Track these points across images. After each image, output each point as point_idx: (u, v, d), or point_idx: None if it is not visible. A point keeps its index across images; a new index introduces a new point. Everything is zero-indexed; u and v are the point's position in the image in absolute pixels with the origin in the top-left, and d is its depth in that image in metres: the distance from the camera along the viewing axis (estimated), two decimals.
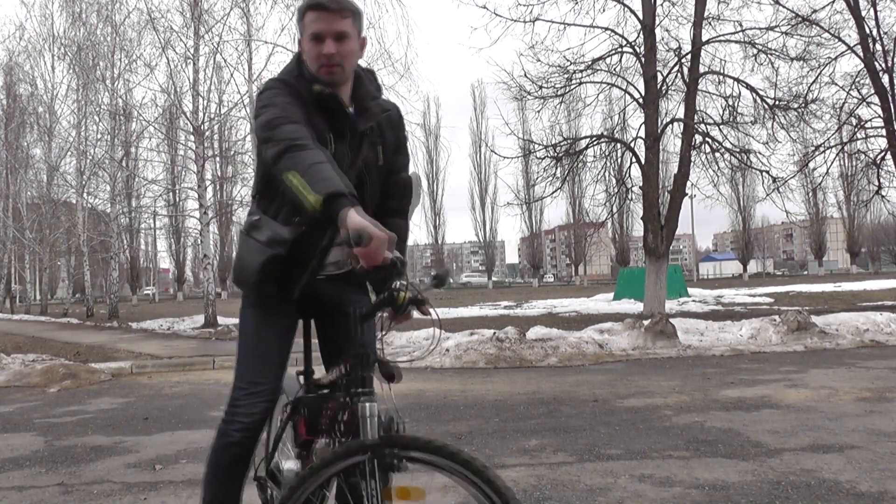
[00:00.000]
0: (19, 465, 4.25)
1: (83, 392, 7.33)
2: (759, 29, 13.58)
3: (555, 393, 6.18)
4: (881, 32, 14.19)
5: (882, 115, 14.14)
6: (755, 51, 13.62)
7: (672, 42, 14.10)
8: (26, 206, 29.43)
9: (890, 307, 13.67)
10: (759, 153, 14.11)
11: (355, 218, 1.61)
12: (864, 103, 14.62)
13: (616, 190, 14.89)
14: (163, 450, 4.54)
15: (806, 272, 78.16)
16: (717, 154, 13.94)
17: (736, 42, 13.77)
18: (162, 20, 16.72)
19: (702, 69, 13.57)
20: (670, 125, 14.15)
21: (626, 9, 13.90)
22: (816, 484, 3.34)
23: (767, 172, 14.10)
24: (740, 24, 13.74)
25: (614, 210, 15.77)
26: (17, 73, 28.09)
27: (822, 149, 15.09)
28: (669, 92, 14.29)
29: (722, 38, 13.70)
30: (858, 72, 14.47)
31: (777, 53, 13.67)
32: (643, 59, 13.50)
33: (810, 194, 45.87)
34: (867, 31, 13.98)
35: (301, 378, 2.23)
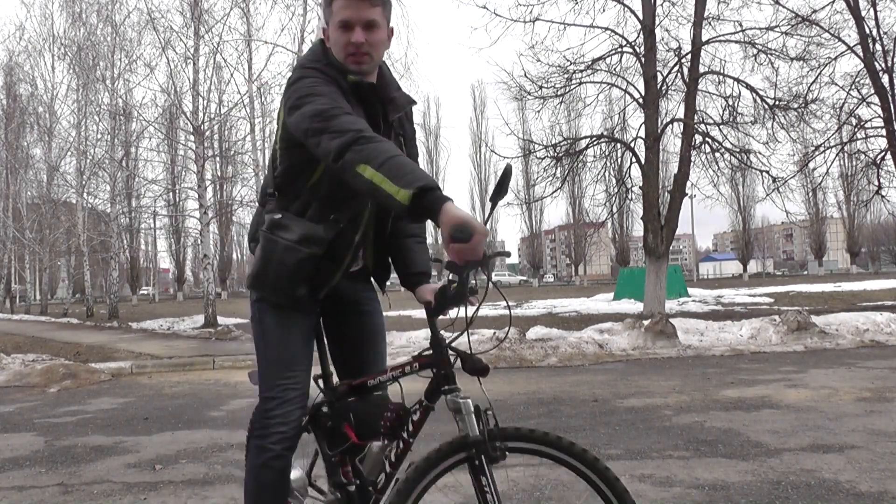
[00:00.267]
0: (19, 465, 4.25)
1: (83, 392, 7.33)
2: (759, 29, 13.58)
3: (555, 393, 6.18)
4: (881, 32, 14.18)
5: (882, 115, 14.13)
6: (755, 51, 13.62)
7: (672, 42, 14.12)
8: (26, 206, 29.45)
9: (890, 307, 13.67)
10: (759, 153, 14.12)
11: (457, 212, 1.54)
12: (864, 103, 14.61)
13: (616, 190, 14.89)
14: (163, 450, 4.54)
15: (806, 272, 78.13)
16: (717, 154, 13.93)
17: (736, 42, 13.77)
18: (162, 20, 16.74)
19: (702, 69, 13.56)
20: (670, 125, 14.15)
21: (626, 9, 13.90)
22: (816, 484, 3.34)
23: (767, 172, 14.10)
24: (740, 24, 13.75)
25: (614, 210, 15.76)
26: (17, 73, 28.14)
27: (822, 149, 15.08)
28: (669, 92, 14.29)
29: (722, 38, 13.70)
30: (858, 72, 14.46)
31: (777, 53, 13.67)
32: (643, 59, 13.49)
33: (810, 194, 45.91)
34: (867, 31, 13.97)
35: (320, 382, 2.16)
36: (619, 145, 14.68)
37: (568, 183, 15.08)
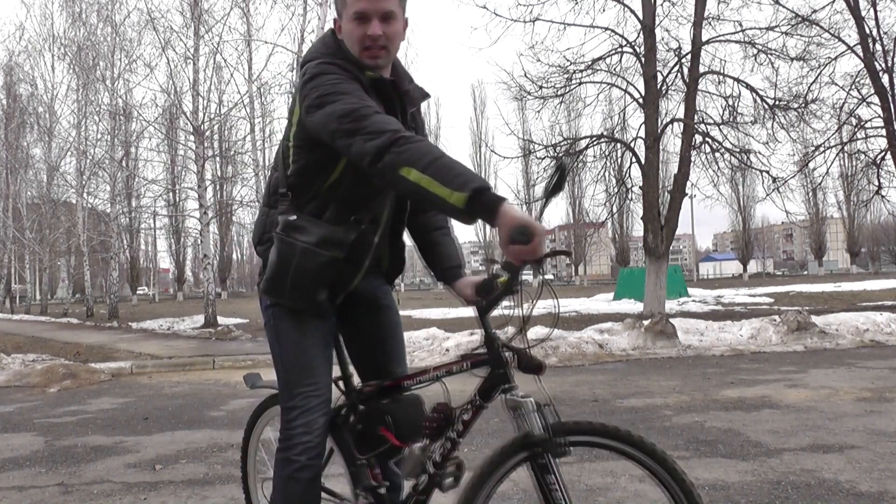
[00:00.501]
0: (19, 465, 4.25)
1: (83, 392, 7.33)
2: (759, 29, 13.59)
3: (555, 393, 6.19)
4: (881, 32, 14.19)
5: (882, 115, 14.13)
6: (755, 51, 13.62)
7: (672, 42, 14.12)
8: (26, 206, 29.45)
9: (890, 307, 13.67)
10: (759, 153, 14.12)
11: (515, 213, 1.48)
12: (864, 103, 14.61)
13: (616, 190, 14.89)
14: (163, 450, 4.54)
15: (806, 272, 78.12)
16: (717, 154, 13.94)
17: (736, 42, 13.77)
18: (162, 20, 16.76)
19: (702, 69, 13.56)
20: (670, 125, 14.14)
21: (626, 9, 13.90)
22: (816, 484, 3.33)
23: (767, 172, 14.10)
24: (740, 24, 13.75)
25: (614, 210, 15.77)
26: (17, 73, 28.15)
27: (822, 149, 15.09)
28: (669, 92, 14.30)
29: (722, 38, 13.70)
30: (858, 72, 14.46)
31: (777, 53, 13.67)
32: (643, 59, 13.49)
33: (810, 194, 45.94)
34: (867, 31, 13.97)
35: (341, 385, 2.10)
36: (619, 145, 14.68)
37: (568, 183, 15.03)
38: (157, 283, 64.21)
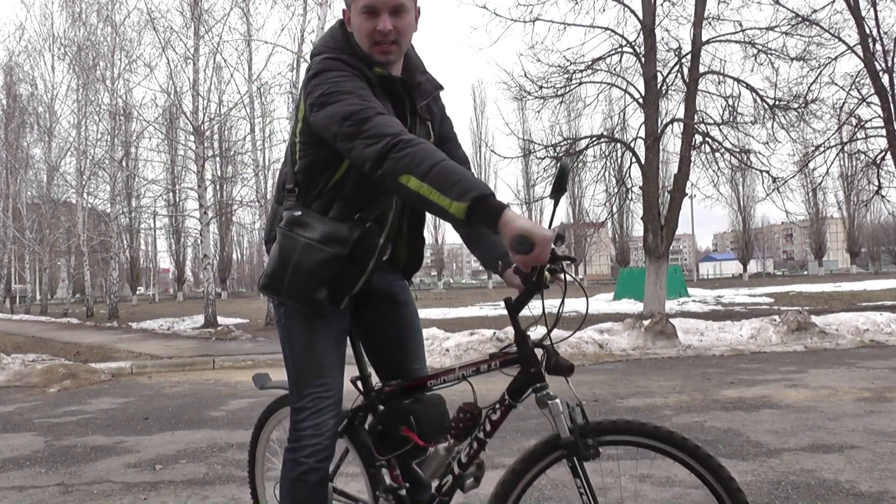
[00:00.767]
0: (19, 465, 4.25)
1: (83, 392, 7.33)
2: (759, 29, 13.60)
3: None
4: (881, 32, 14.19)
5: (882, 115, 14.13)
6: (755, 51, 13.63)
7: (672, 42, 14.14)
8: (26, 206, 29.45)
9: (890, 307, 13.67)
10: (759, 153, 14.14)
11: (516, 222, 1.44)
12: (864, 103, 14.62)
13: (616, 190, 14.90)
14: (163, 450, 4.54)
15: (806, 272, 78.14)
16: (717, 154, 13.94)
17: (736, 42, 13.78)
18: (162, 20, 16.80)
19: (702, 69, 13.57)
20: (670, 125, 14.15)
21: (626, 9, 13.91)
22: (816, 484, 3.33)
23: (767, 172, 14.11)
24: (740, 24, 13.77)
25: (614, 210, 15.77)
26: (17, 73, 28.16)
27: (822, 149, 15.09)
28: (669, 92, 14.31)
29: (722, 38, 13.71)
30: (858, 72, 14.47)
31: (777, 53, 13.68)
32: (643, 59, 13.50)
33: (810, 194, 45.93)
34: (867, 31, 13.98)
35: (359, 384, 2.06)
36: (619, 145, 14.69)
37: (568, 183, 15.02)
38: (157, 283, 64.20)
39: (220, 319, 17.01)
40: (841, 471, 3.52)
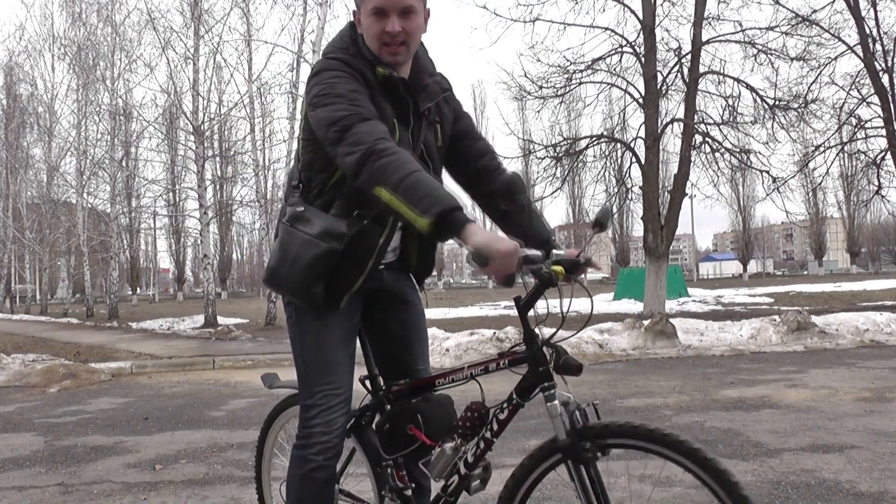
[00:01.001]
0: (19, 465, 4.25)
1: (83, 392, 7.33)
2: (759, 29, 13.60)
3: None
4: (881, 32, 14.19)
5: (882, 115, 14.14)
6: (755, 51, 13.63)
7: (672, 42, 14.14)
8: (26, 206, 29.45)
9: (890, 307, 13.67)
10: (759, 153, 14.15)
11: (475, 236, 1.47)
12: (864, 103, 14.62)
13: (616, 190, 14.90)
14: (163, 450, 4.54)
15: (806, 272, 78.11)
16: (717, 154, 13.95)
17: (736, 42, 13.79)
18: (162, 20, 16.82)
19: (702, 69, 13.57)
20: (670, 125, 14.16)
21: (626, 9, 13.91)
22: (816, 484, 3.33)
23: (767, 172, 14.12)
24: (740, 24, 13.77)
25: (614, 210, 15.77)
26: (17, 73, 28.15)
27: (822, 149, 15.10)
28: (669, 92, 14.31)
29: (722, 38, 13.72)
30: (858, 72, 14.47)
31: (777, 53, 13.69)
32: (643, 59, 13.50)
33: (810, 194, 45.93)
34: (867, 31, 13.98)
35: (368, 384, 2.07)
36: (619, 145, 14.69)
37: (568, 183, 15.12)
38: (157, 283, 64.20)
39: (220, 319, 17.02)
40: (841, 471, 3.52)
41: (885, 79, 14.04)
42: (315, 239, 1.80)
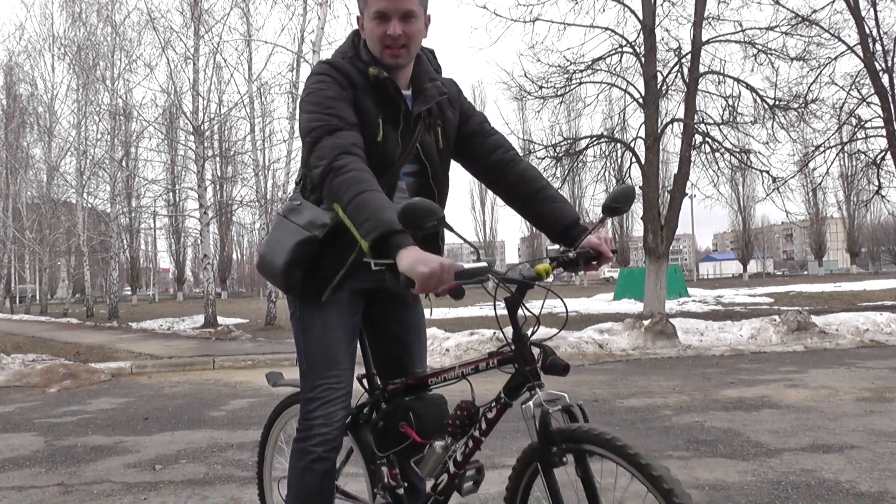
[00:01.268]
0: (19, 465, 4.25)
1: (83, 392, 7.33)
2: (759, 29, 13.61)
3: None
4: (881, 32, 14.20)
5: (882, 115, 14.14)
6: (755, 51, 13.64)
7: (672, 42, 14.15)
8: (26, 206, 29.44)
9: (890, 307, 13.67)
10: (759, 153, 14.15)
11: (402, 261, 1.53)
12: (864, 103, 14.62)
13: None
14: (163, 450, 4.54)
15: (806, 272, 78.11)
16: (717, 154, 13.95)
17: (736, 42, 13.79)
18: (162, 20, 16.80)
19: (702, 69, 13.58)
20: (670, 125, 14.16)
21: (626, 9, 13.91)
22: (816, 484, 3.33)
23: (767, 172, 14.12)
24: (740, 24, 13.78)
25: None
26: (17, 73, 28.15)
27: (822, 149, 15.10)
28: (669, 92, 14.31)
29: (722, 38, 13.72)
30: (858, 72, 14.47)
31: (777, 53, 13.69)
32: (643, 59, 13.50)
33: (810, 194, 45.89)
34: (867, 31, 13.98)
35: (365, 382, 2.10)
36: (619, 145, 14.69)
37: (568, 183, 15.10)
38: (157, 283, 64.20)
39: (220, 319, 17.01)
40: (841, 471, 3.52)
41: (885, 79, 14.04)
42: (300, 227, 1.88)
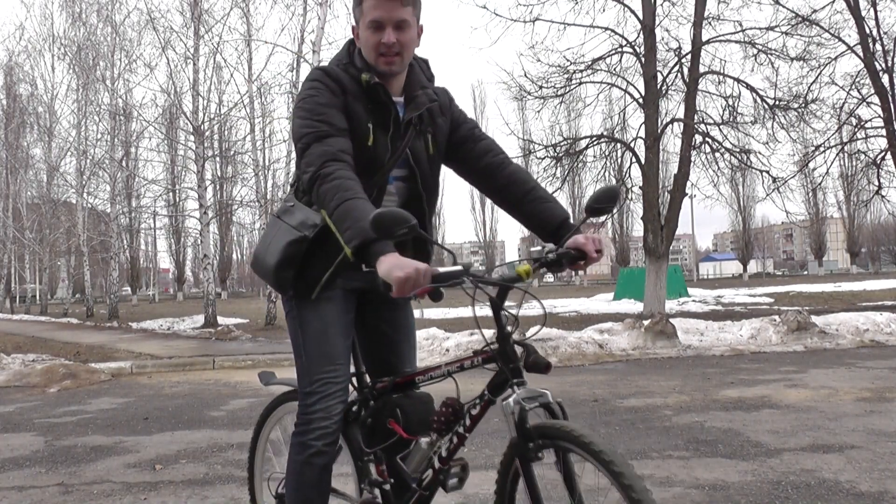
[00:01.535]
0: (19, 465, 4.25)
1: (83, 392, 7.33)
2: (759, 29, 13.60)
3: (555, 393, 6.13)
4: (881, 32, 14.20)
5: (882, 115, 14.14)
6: (755, 51, 13.63)
7: (672, 42, 14.14)
8: (26, 206, 29.45)
9: (890, 307, 13.67)
10: (759, 153, 14.15)
11: (381, 266, 1.61)
12: (864, 103, 14.62)
13: None
14: (163, 450, 4.54)
15: (806, 272, 78.11)
16: (717, 154, 13.95)
17: (736, 42, 13.78)
18: (162, 20, 16.80)
19: (702, 69, 13.57)
20: (670, 125, 14.15)
21: (626, 9, 13.91)
22: (816, 484, 3.33)
23: (767, 172, 14.12)
24: (740, 24, 13.77)
25: (614, 210, 15.76)
26: (17, 73, 28.16)
27: (822, 149, 15.10)
28: (669, 92, 14.31)
29: (722, 38, 13.71)
30: (858, 72, 14.47)
31: (777, 53, 13.68)
32: (643, 59, 13.50)
33: (810, 194, 45.89)
34: (867, 31, 13.98)
35: (354, 381, 2.13)
36: (619, 145, 14.68)
37: (568, 183, 15.12)
38: (157, 283, 64.19)
39: (220, 319, 17.01)
40: (841, 471, 3.52)
41: (885, 79, 14.04)
42: (292, 228, 1.94)
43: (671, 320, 9.81)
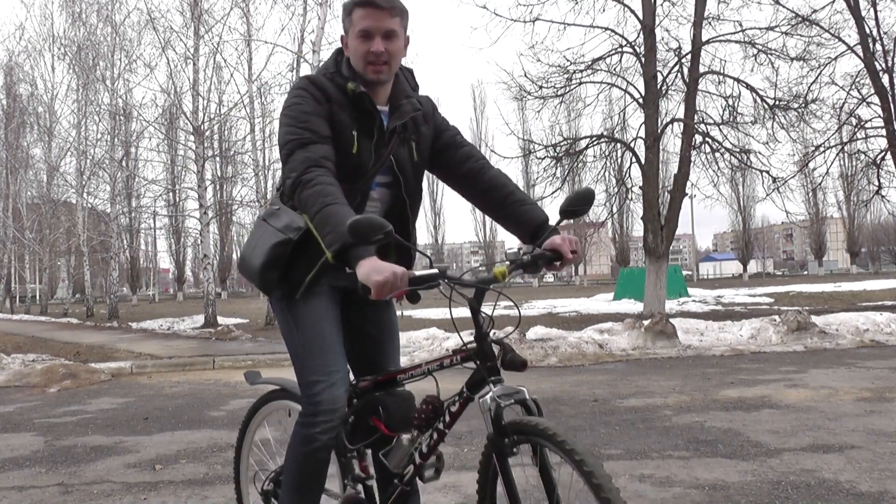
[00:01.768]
0: (19, 465, 4.25)
1: (83, 392, 7.33)
2: (759, 29, 13.60)
3: (555, 393, 6.18)
4: (881, 32, 14.19)
5: (882, 115, 14.13)
6: (755, 51, 13.63)
7: (672, 42, 14.14)
8: (26, 206, 29.45)
9: (890, 307, 13.67)
10: (759, 153, 14.14)
11: (360, 270, 1.67)
12: (864, 103, 14.62)
13: (616, 190, 14.90)
14: (163, 450, 4.54)
15: (806, 272, 78.10)
16: (717, 154, 13.94)
17: (736, 42, 13.78)
18: (162, 20, 16.79)
19: (702, 69, 13.57)
20: (670, 125, 14.15)
21: (626, 9, 13.90)
22: (816, 484, 3.33)
23: (767, 172, 14.11)
24: (740, 24, 13.77)
25: (614, 210, 15.77)
26: (17, 73, 28.15)
27: (822, 149, 15.10)
28: (669, 92, 14.30)
29: (722, 38, 13.71)
30: (858, 72, 14.47)
31: (777, 53, 13.68)
32: (643, 59, 13.49)
33: (810, 194, 45.88)
34: (867, 31, 13.98)
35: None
36: (619, 145, 14.68)
37: (568, 183, 15.10)
38: (157, 283, 64.18)
39: (220, 319, 17.01)
40: (841, 471, 3.52)
41: (885, 79, 14.03)
42: (276, 230, 1.99)
43: (671, 320, 9.81)
